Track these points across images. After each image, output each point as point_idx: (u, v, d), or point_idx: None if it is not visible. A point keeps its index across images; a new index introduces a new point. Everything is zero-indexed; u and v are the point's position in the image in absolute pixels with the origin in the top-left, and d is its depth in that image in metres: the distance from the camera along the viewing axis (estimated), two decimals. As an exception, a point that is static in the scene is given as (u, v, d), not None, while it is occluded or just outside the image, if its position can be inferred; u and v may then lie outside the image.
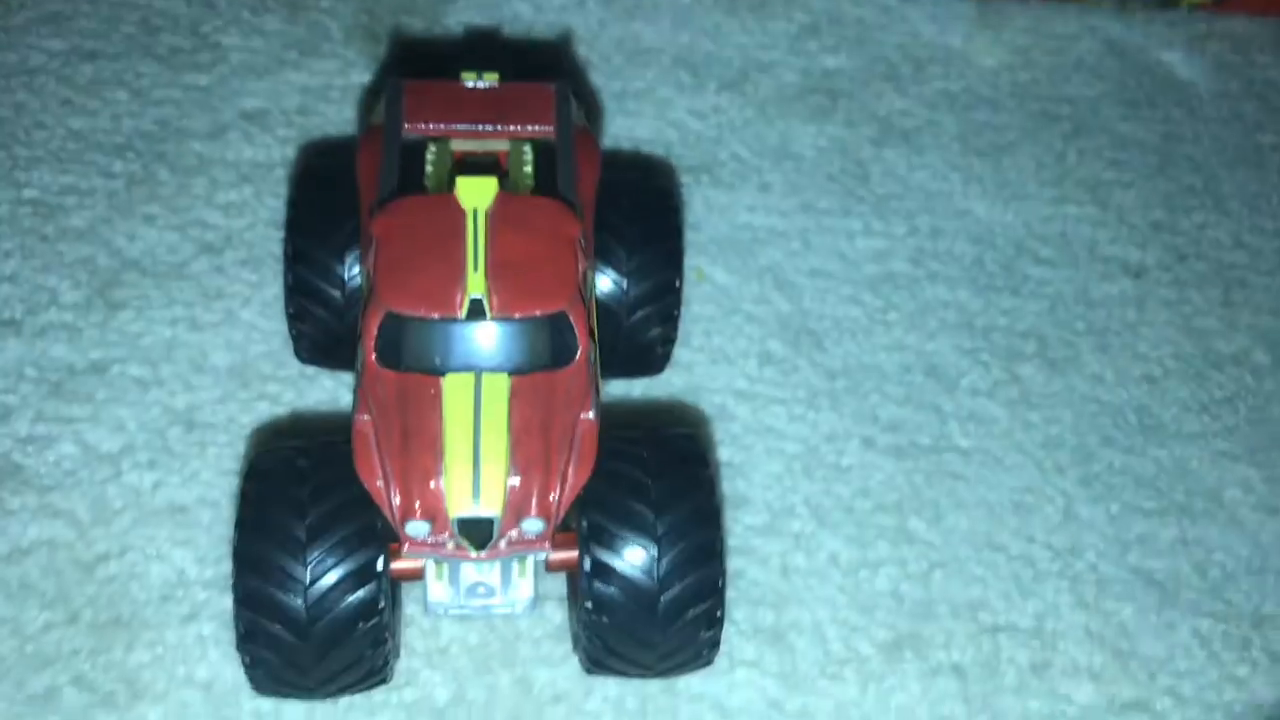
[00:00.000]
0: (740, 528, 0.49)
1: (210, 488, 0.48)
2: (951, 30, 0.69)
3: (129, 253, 0.55)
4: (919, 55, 0.68)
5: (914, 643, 0.47)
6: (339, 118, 0.62)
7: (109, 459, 0.49)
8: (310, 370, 0.52)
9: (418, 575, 0.42)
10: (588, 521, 0.41)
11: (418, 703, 0.44)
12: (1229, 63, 0.69)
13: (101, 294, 0.54)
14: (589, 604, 0.40)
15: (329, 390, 0.52)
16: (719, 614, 0.41)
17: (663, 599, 0.40)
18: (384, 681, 0.42)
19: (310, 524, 0.39)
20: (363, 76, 0.64)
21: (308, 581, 0.39)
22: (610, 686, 0.45)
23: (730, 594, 0.47)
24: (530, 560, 0.42)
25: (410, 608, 0.45)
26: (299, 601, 0.38)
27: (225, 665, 0.44)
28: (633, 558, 0.40)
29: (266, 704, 0.43)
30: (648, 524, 0.40)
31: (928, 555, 0.50)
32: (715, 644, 0.42)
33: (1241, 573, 0.51)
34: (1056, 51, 0.69)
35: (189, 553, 0.47)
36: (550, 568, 0.42)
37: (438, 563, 0.41)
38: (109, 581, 0.46)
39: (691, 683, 0.45)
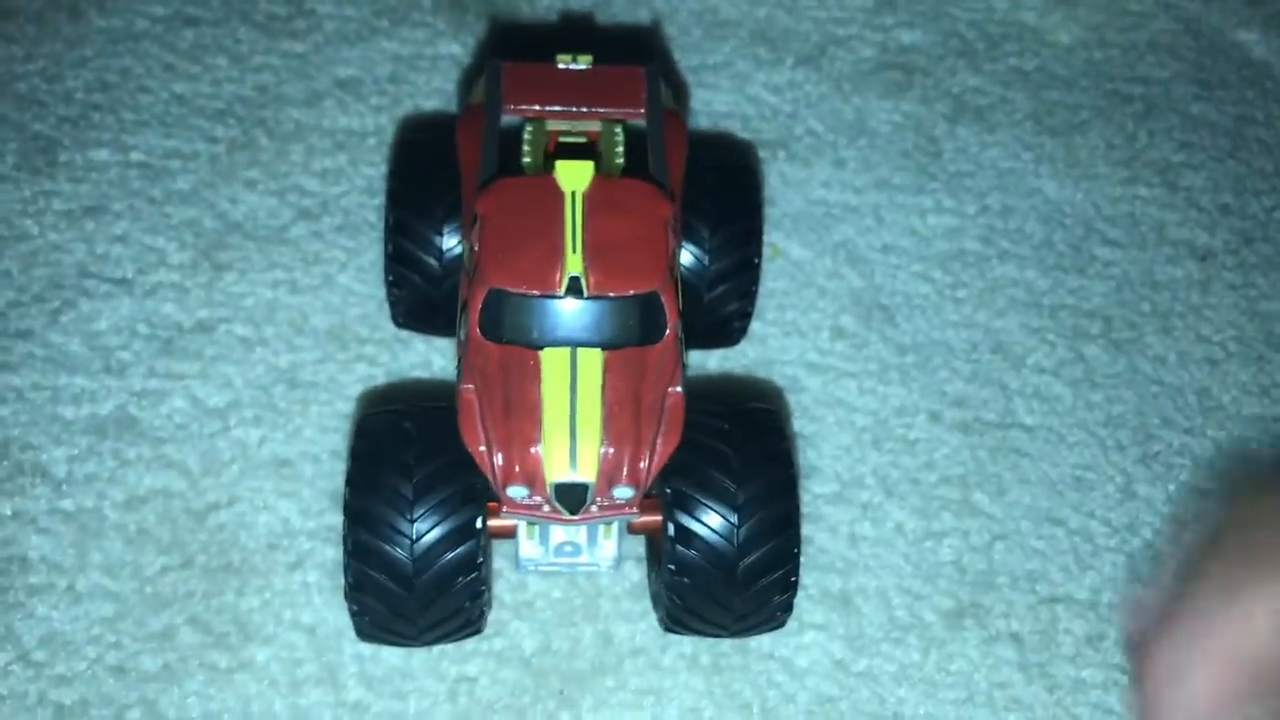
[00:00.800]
0: (810, 496, 0.52)
1: (312, 444, 0.51)
2: (1026, 6, 0.70)
3: (232, 216, 0.58)
4: (993, 32, 0.69)
5: (975, 611, 0.50)
6: (428, 87, 0.64)
7: (217, 414, 0.52)
8: (404, 334, 0.54)
9: (510, 533, 0.44)
10: (671, 489, 0.43)
11: (505, 651, 0.47)
12: (1305, 45, 0.69)
13: (207, 256, 0.57)
14: (672, 566, 0.43)
15: (421, 354, 0.54)
16: (793, 579, 0.44)
17: (741, 564, 0.43)
18: (477, 632, 0.45)
19: (416, 483, 0.42)
20: (450, 46, 0.66)
21: (414, 537, 0.41)
22: (685, 644, 0.48)
23: (800, 560, 0.50)
24: (615, 523, 0.44)
25: (499, 563, 0.48)
26: (405, 555, 0.41)
27: (328, 611, 0.47)
28: (714, 524, 0.43)
29: (366, 648, 0.46)
30: (729, 493, 0.43)
31: (990, 528, 0.52)
32: (788, 608, 0.45)
33: (1295, 553, 0.52)
34: (1131, 29, 0.70)
35: (293, 504, 0.50)
36: (633, 530, 0.45)
37: (530, 523, 0.44)
38: (220, 530, 0.49)
39: (763, 643, 0.48)
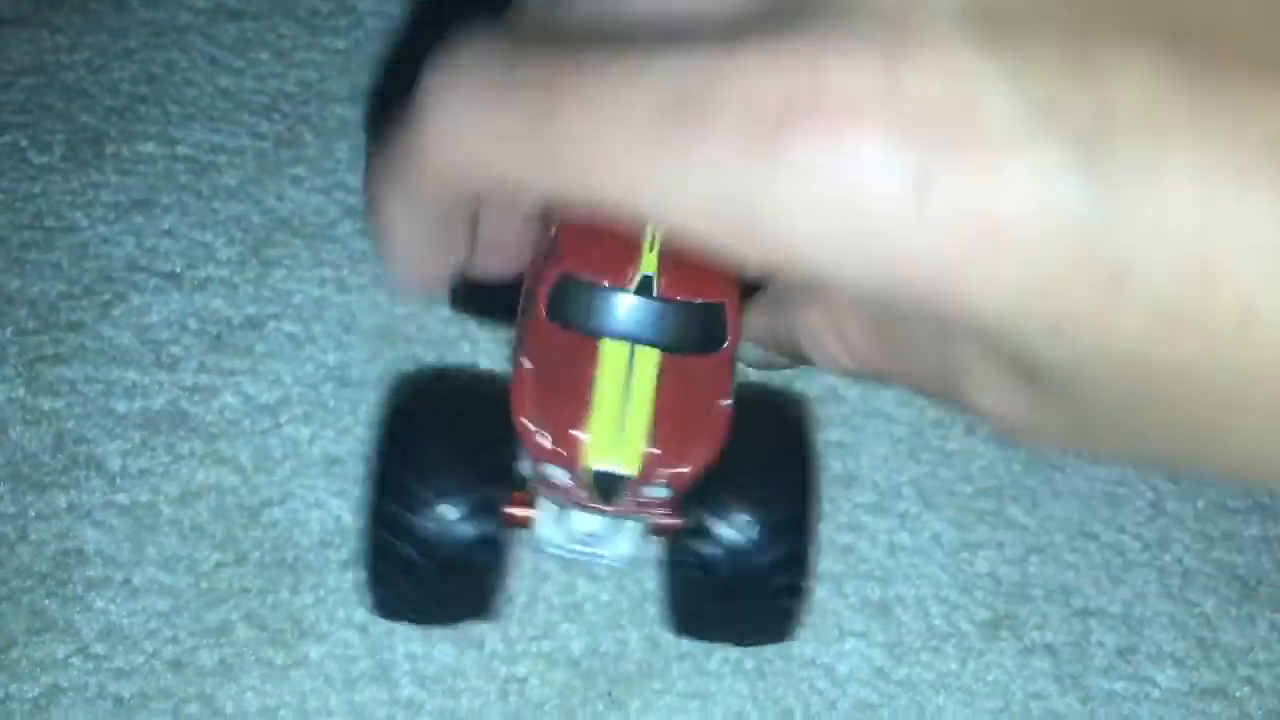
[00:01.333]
0: (850, 505, 0.53)
1: (362, 442, 0.52)
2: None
3: (279, 213, 0.59)
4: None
5: (1010, 623, 0.51)
6: (470, 87, 0.65)
7: (268, 410, 0.52)
8: (452, 334, 0.55)
9: (526, 524, 0.45)
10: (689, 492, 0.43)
11: (554, 652, 0.48)
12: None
13: (255, 252, 0.57)
14: (685, 561, 0.43)
15: (467, 355, 0.55)
16: (805, 585, 0.44)
17: (754, 563, 0.43)
18: (489, 616, 0.46)
19: (445, 458, 0.43)
20: (493, 46, 0.66)
21: (437, 509, 0.42)
22: (731, 649, 0.49)
23: (839, 568, 0.51)
24: (637, 521, 0.45)
25: (548, 565, 0.49)
26: (429, 525, 0.42)
27: (381, 610, 0.48)
28: (730, 523, 0.43)
29: (418, 645, 0.47)
30: (747, 491, 0.43)
31: (1024, 540, 0.53)
32: (799, 614, 0.45)
33: (1319, 572, 0.54)
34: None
35: (345, 503, 0.50)
36: (656, 531, 0.45)
37: (560, 505, 0.44)
38: (273, 526, 0.50)
39: (805, 649, 0.49)
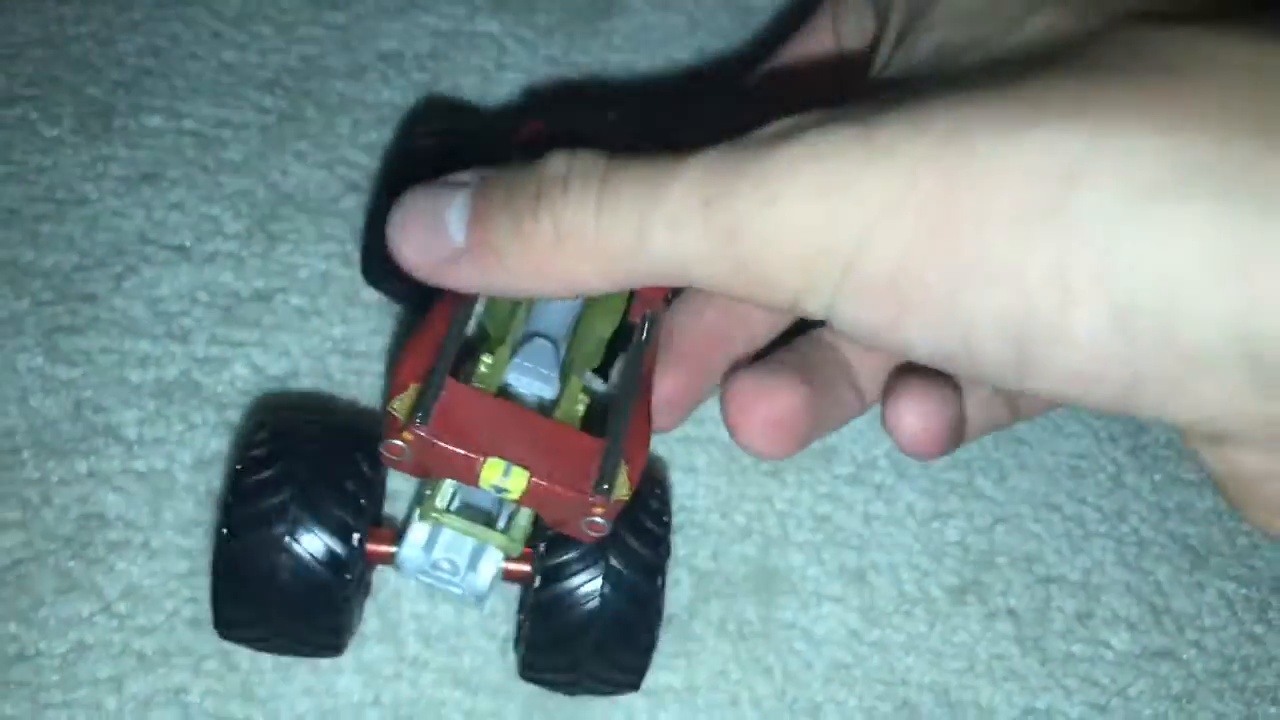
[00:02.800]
0: (829, 477, 0.56)
1: (366, 414, 0.55)
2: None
3: (283, 187, 0.61)
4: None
5: (977, 588, 0.54)
6: (467, 64, 0.67)
7: (278, 381, 0.55)
8: (451, 310, 0.57)
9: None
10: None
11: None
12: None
13: (261, 226, 0.59)
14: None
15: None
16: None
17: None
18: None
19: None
20: (489, 24, 0.68)
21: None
22: (713, 612, 0.52)
23: (818, 537, 0.54)
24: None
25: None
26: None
27: (386, 573, 0.51)
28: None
29: (423, 606, 0.50)
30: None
31: (992, 510, 0.56)
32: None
33: (1266, 543, 0.57)
34: None
35: (351, 471, 0.53)
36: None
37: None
38: (283, 493, 0.52)
39: (784, 613, 0.52)
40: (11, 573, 0.49)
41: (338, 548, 0.43)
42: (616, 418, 0.42)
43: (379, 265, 0.53)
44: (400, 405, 0.40)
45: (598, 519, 0.41)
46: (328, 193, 0.61)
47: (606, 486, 0.40)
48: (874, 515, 0.55)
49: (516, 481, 0.40)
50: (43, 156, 0.60)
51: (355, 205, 0.61)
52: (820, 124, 0.30)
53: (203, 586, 0.49)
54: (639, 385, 0.44)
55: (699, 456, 0.56)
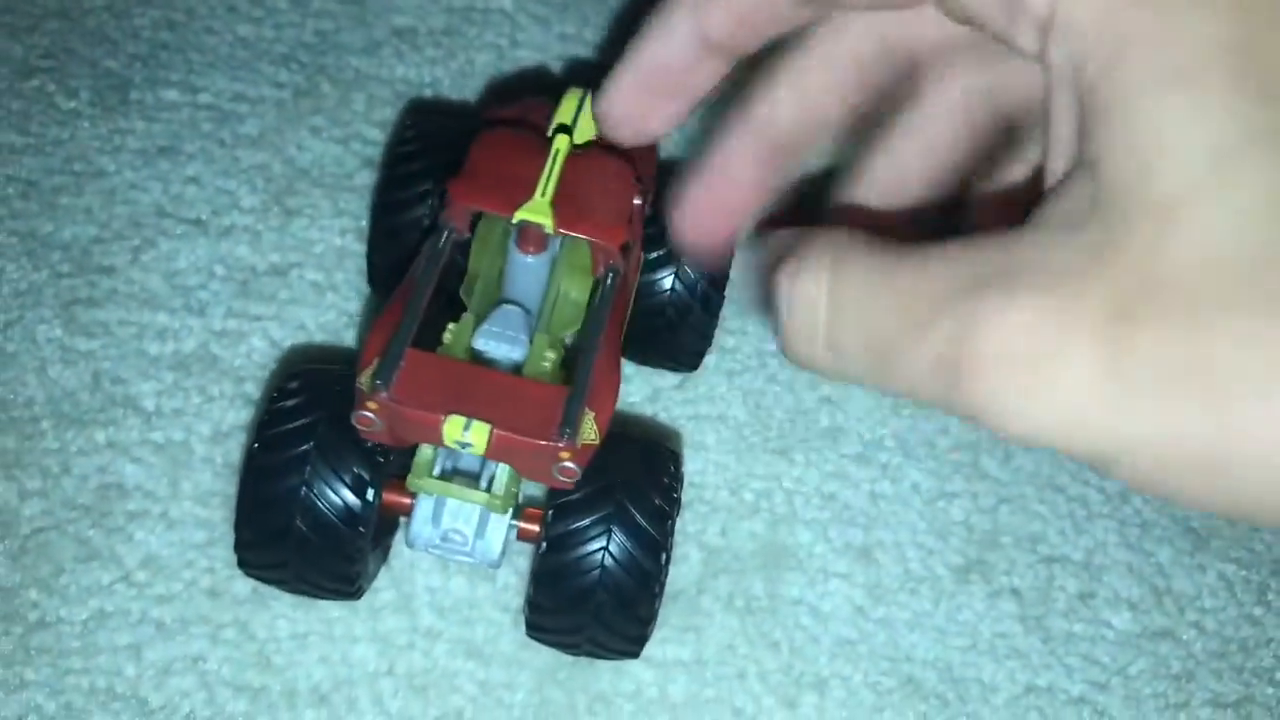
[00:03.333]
0: (836, 455, 0.57)
1: (381, 388, 0.55)
2: None
3: (299, 162, 0.61)
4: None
5: (981, 568, 0.55)
6: (480, 40, 0.67)
7: (294, 354, 0.56)
8: (465, 286, 0.58)
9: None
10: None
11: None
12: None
13: (277, 200, 0.60)
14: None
15: (480, 305, 0.58)
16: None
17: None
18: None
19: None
20: (502, 0, 0.68)
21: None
22: (720, 588, 0.53)
23: (825, 514, 0.55)
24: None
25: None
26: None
27: (400, 545, 0.51)
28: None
29: (436, 579, 0.51)
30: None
31: (996, 491, 0.57)
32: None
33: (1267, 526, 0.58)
34: None
35: (366, 445, 0.54)
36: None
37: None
38: (299, 465, 0.53)
39: (791, 590, 0.53)
40: (33, 540, 0.49)
41: (354, 501, 0.44)
42: (581, 367, 0.43)
43: (383, 274, 0.54)
44: (365, 379, 0.42)
45: (567, 463, 0.42)
46: (343, 168, 0.61)
47: (569, 430, 0.41)
48: (880, 494, 0.56)
49: (478, 435, 0.41)
50: (60, 129, 0.60)
51: (370, 181, 0.61)
52: None
53: (221, 557, 0.50)
54: (604, 335, 0.45)
55: (709, 434, 0.56)
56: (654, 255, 0.52)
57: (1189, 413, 0.22)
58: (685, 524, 0.54)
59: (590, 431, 0.42)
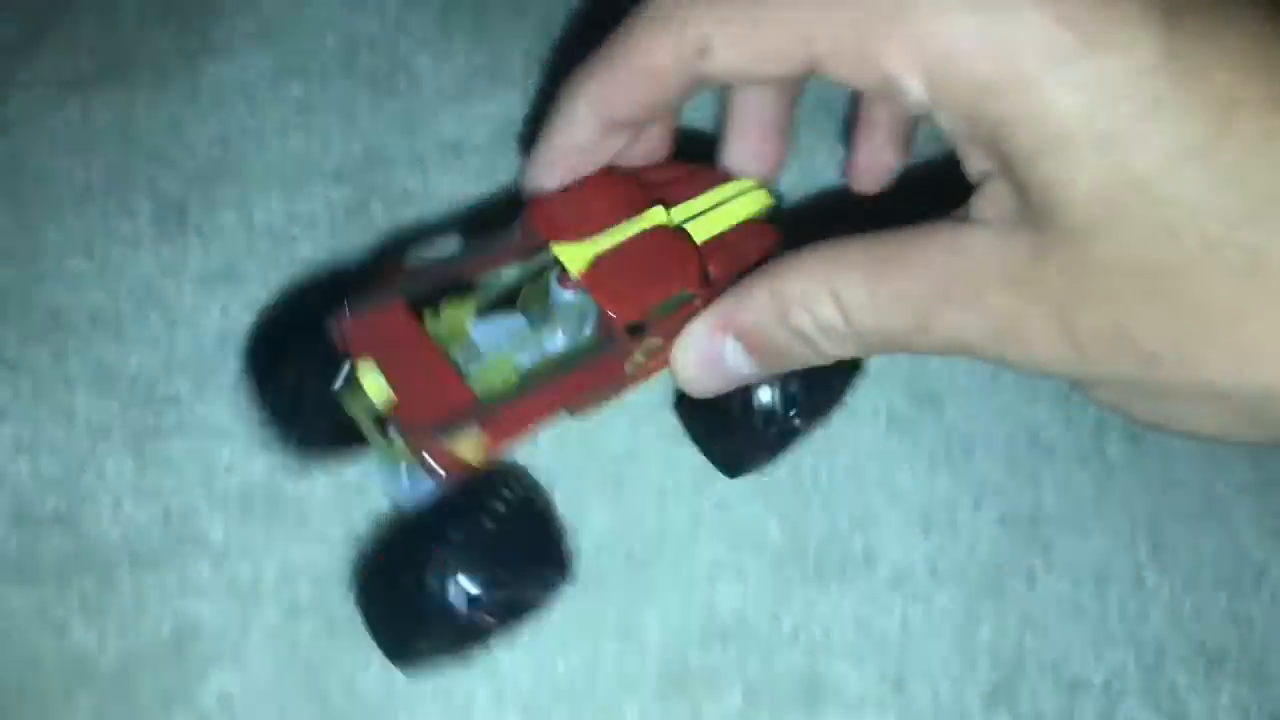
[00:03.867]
0: (872, 580, 0.59)
1: (437, 519, 0.58)
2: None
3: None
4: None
5: (1007, 695, 0.58)
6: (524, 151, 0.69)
7: (356, 488, 0.58)
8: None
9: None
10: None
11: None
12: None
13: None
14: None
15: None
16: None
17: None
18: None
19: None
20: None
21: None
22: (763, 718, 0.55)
23: (864, 643, 0.58)
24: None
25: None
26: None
27: (461, 681, 0.54)
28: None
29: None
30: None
31: (1020, 610, 0.60)
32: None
33: (1276, 646, 0.61)
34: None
35: (425, 579, 0.56)
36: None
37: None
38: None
39: (826, 719, 0.56)
40: (113, 687, 0.52)
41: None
42: (510, 390, 0.45)
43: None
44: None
45: (428, 459, 0.43)
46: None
47: (445, 433, 0.43)
48: (910, 620, 0.59)
49: (372, 385, 0.43)
50: (122, 252, 0.62)
51: (421, 304, 0.63)
52: None
53: (291, 698, 0.53)
54: (556, 383, 0.45)
55: (749, 561, 0.59)
56: None
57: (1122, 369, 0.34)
58: (729, 652, 0.57)
59: (469, 447, 0.43)
